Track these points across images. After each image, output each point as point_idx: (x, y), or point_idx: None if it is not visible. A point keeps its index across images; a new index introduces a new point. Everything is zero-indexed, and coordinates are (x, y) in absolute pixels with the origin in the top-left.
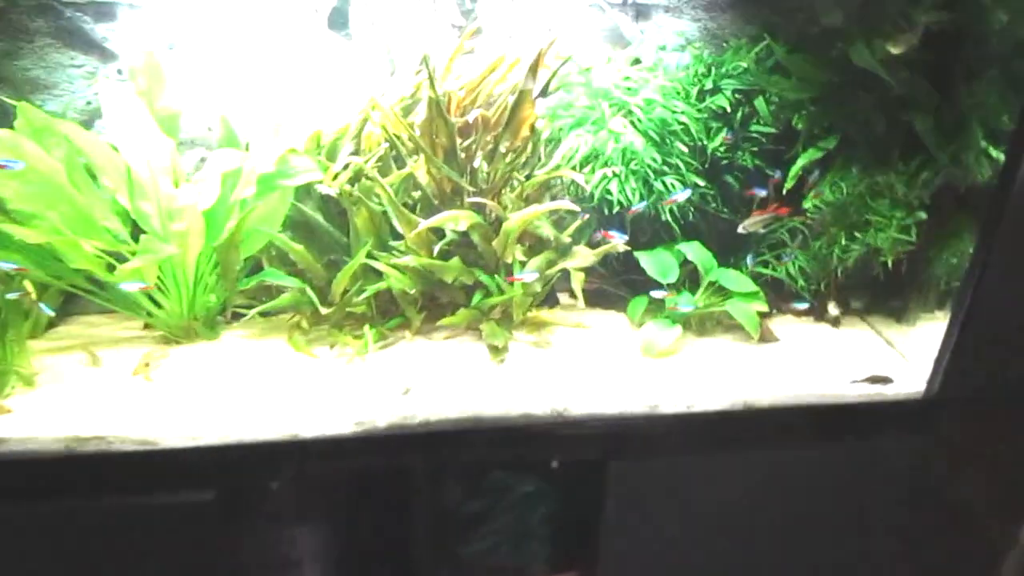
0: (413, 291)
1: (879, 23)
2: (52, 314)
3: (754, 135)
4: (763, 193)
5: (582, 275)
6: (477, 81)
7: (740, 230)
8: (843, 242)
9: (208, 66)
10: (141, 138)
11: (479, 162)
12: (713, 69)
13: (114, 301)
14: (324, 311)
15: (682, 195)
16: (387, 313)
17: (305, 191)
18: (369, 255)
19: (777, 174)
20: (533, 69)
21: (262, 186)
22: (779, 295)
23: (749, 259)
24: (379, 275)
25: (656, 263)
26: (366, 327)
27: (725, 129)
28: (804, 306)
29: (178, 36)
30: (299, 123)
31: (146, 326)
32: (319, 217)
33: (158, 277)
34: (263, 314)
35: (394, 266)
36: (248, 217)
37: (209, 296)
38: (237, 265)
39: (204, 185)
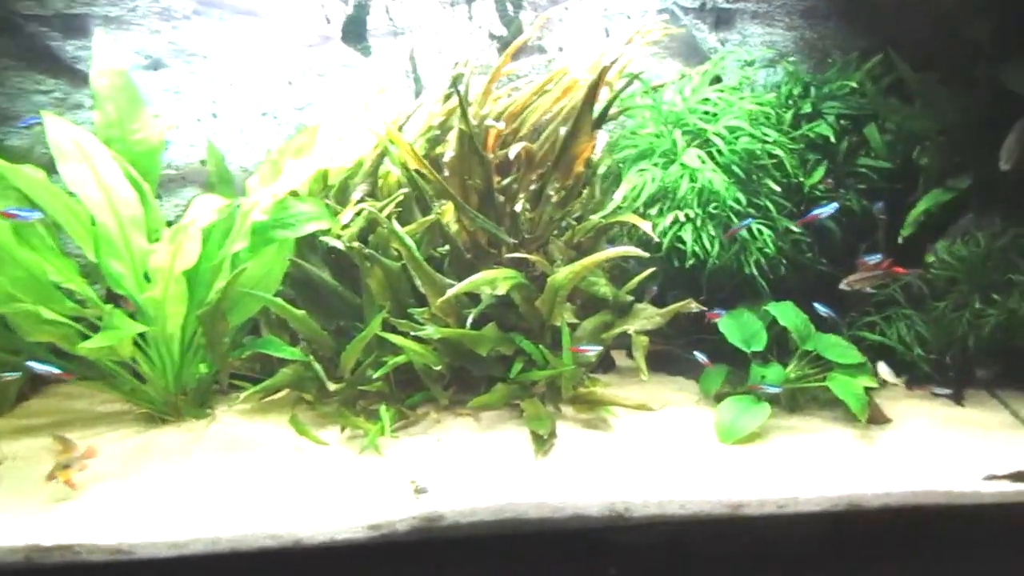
0: (438, 367)
1: None
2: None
3: (862, 170)
4: (873, 259)
5: (645, 340)
6: (521, 106)
7: (843, 287)
8: (976, 305)
9: (202, 86)
10: (105, 184)
11: (521, 206)
12: (812, 89)
13: (88, 375)
14: (333, 387)
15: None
16: (408, 387)
17: (309, 243)
18: (385, 324)
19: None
20: (592, 93)
21: (256, 238)
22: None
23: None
24: (396, 344)
25: (738, 327)
26: (382, 407)
27: (826, 163)
28: (945, 391)
29: (166, 52)
30: (303, 157)
31: (130, 401)
32: (325, 275)
33: (139, 346)
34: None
35: (415, 337)
36: (238, 278)
37: (199, 367)
38: (225, 335)
39: (184, 240)
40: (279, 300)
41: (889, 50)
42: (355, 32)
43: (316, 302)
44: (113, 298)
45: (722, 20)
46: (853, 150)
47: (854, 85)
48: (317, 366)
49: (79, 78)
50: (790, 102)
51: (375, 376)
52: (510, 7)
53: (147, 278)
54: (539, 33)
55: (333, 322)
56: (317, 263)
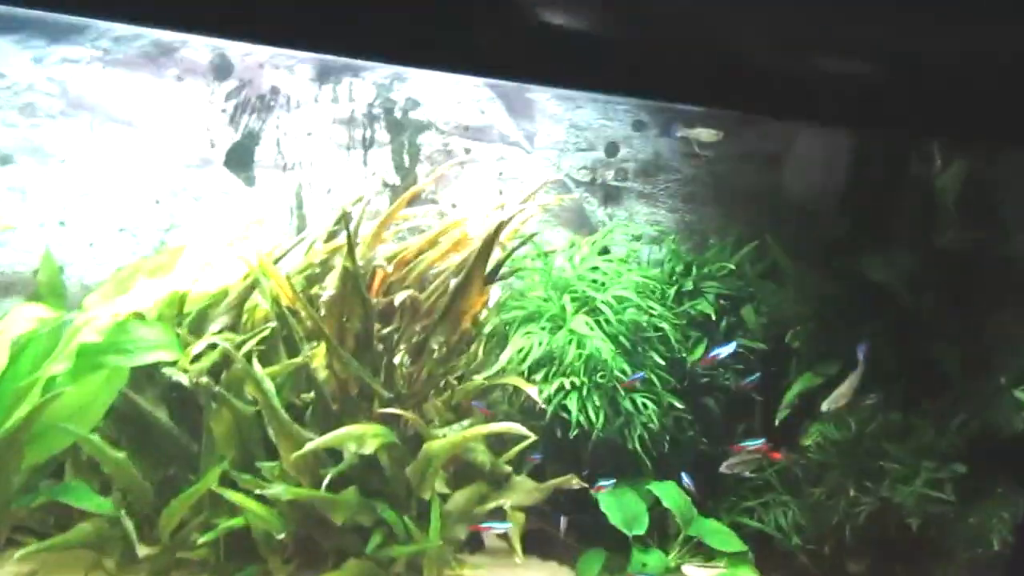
0: (281, 535)
1: (894, 236)
2: None
3: (740, 350)
4: (754, 443)
5: (523, 517)
6: (411, 254)
7: (723, 470)
8: (851, 492)
9: (54, 190)
10: None
11: (400, 358)
12: (694, 268)
13: None
14: (143, 551)
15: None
16: (240, 557)
17: (148, 374)
18: (224, 478)
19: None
20: (487, 246)
21: (82, 362)
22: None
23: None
24: (235, 504)
25: (620, 507)
26: None
27: (705, 340)
28: None
29: (18, 147)
30: (159, 277)
31: None
32: (161, 413)
33: None
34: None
35: (258, 497)
36: (48, 406)
37: None
38: (15, 475)
39: None
40: (95, 439)
41: (766, 237)
42: (240, 160)
43: (144, 444)
44: None
45: (610, 196)
46: (731, 329)
47: (732, 267)
48: (128, 523)
49: None
50: (673, 279)
51: (200, 541)
52: (406, 158)
53: None
54: (433, 187)
55: (161, 471)
56: (153, 399)
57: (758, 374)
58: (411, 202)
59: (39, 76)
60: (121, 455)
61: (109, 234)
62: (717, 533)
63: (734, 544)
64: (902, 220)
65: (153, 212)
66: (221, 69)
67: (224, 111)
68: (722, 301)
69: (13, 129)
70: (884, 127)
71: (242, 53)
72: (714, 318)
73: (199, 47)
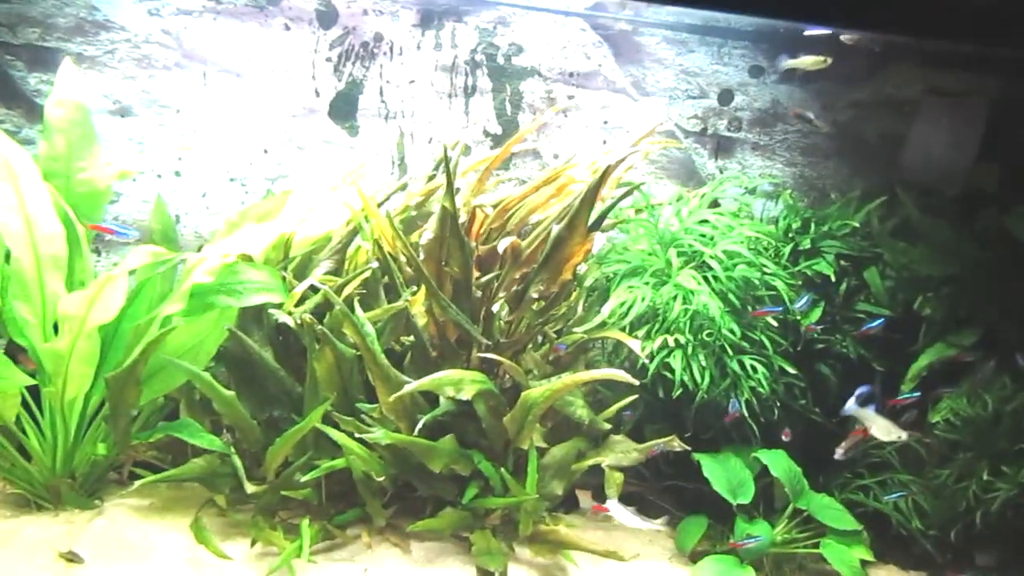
0: (380, 478)
1: None
2: None
3: (861, 315)
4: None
5: (620, 477)
6: (513, 201)
7: (837, 456)
8: (984, 477)
9: (170, 141)
10: (29, 213)
11: (499, 306)
12: (812, 225)
13: None
14: (251, 489)
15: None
16: (341, 500)
17: (255, 316)
18: (327, 419)
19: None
20: (592, 192)
21: (195, 302)
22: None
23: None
24: (337, 446)
25: (724, 474)
26: (304, 522)
27: (823, 304)
28: None
29: (137, 100)
30: (266, 222)
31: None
32: (267, 354)
33: (30, 413)
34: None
35: (359, 440)
36: (163, 342)
37: (97, 446)
38: (134, 408)
39: (106, 289)
40: (206, 376)
41: (897, 190)
42: (344, 109)
43: (250, 385)
44: (14, 352)
45: (722, 147)
46: (851, 293)
47: (856, 225)
48: (237, 461)
49: (36, 113)
50: (789, 235)
51: (304, 480)
52: (508, 107)
53: (57, 330)
54: (535, 136)
55: (266, 410)
56: (260, 340)
57: (881, 319)
58: (513, 155)
59: (155, 28)
60: (230, 394)
61: (221, 184)
62: (828, 509)
63: (847, 522)
64: None
65: (261, 162)
66: (326, 17)
67: (329, 60)
68: (843, 261)
69: (132, 81)
70: None
71: (347, 0)
72: (833, 279)
73: None
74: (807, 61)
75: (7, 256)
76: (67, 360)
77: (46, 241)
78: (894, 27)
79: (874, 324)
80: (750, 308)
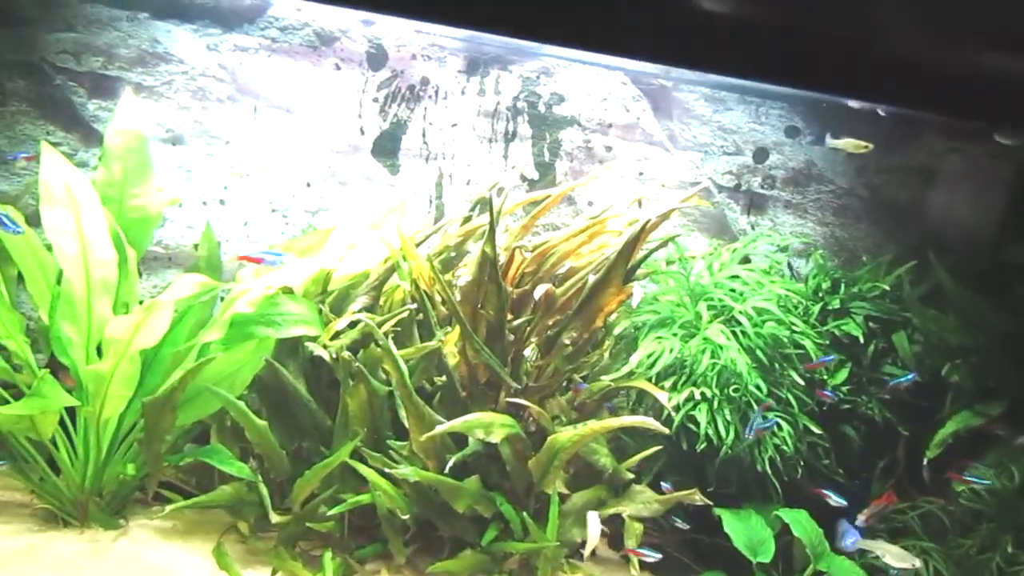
0: (404, 516)
1: None
2: None
3: (887, 379)
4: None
5: (640, 527)
6: (550, 247)
7: (859, 524)
8: (1009, 549)
9: (217, 170)
10: (86, 237)
11: (531, 351)
12: (842, 286)
13: None
14: (276, 518)
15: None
16: (362, 534)
17: (291, 347)
18: (355, 454)
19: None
20: (630, 245)
21: (234, 331)
22: None
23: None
24: (363, 481)
25: (745, 531)
26: (327, 554)
27: (850, 365)
28: None
29: (189, 130)
30: (308, 257)
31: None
32: (300, 386)
33: (65, 430)
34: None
35: (386, 476)
36: (202, 369)
37: (126, 466)
38: (168, 432)
39: (151, 315)
40: (241, 404)
41: (930, 256)
42: (387, 148)
43: (282, 415)
44: (55, 370)
45: (755, 204)
46: (879, 356)
47: (886, 288)
48: (263, 489)
49: (93, 137)
50: (819, 295)
51: (329, 513)
52: (547, 154)
53: (100, 352)
54: (571, 182)
55: (296, 441)
56: (294, 371)
57: (912, 374)
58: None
59: (212, 62)
60: (262, 423)
61: (263, 214)
62: (849, 572)
63: None
64: None
65: (303, 195)
66: (376, 59)
67: (375, 100)
68: (871, 324)
69: (186, 111)
70: None
71: (396, 44)
72: (862, 341)
73: (357, 37)
74: (850, 144)
75: (59, 277)
76: (108, 382)
77: (99, 265)
78: (924, 104)
79: (904, 380)
80: (777, 365)
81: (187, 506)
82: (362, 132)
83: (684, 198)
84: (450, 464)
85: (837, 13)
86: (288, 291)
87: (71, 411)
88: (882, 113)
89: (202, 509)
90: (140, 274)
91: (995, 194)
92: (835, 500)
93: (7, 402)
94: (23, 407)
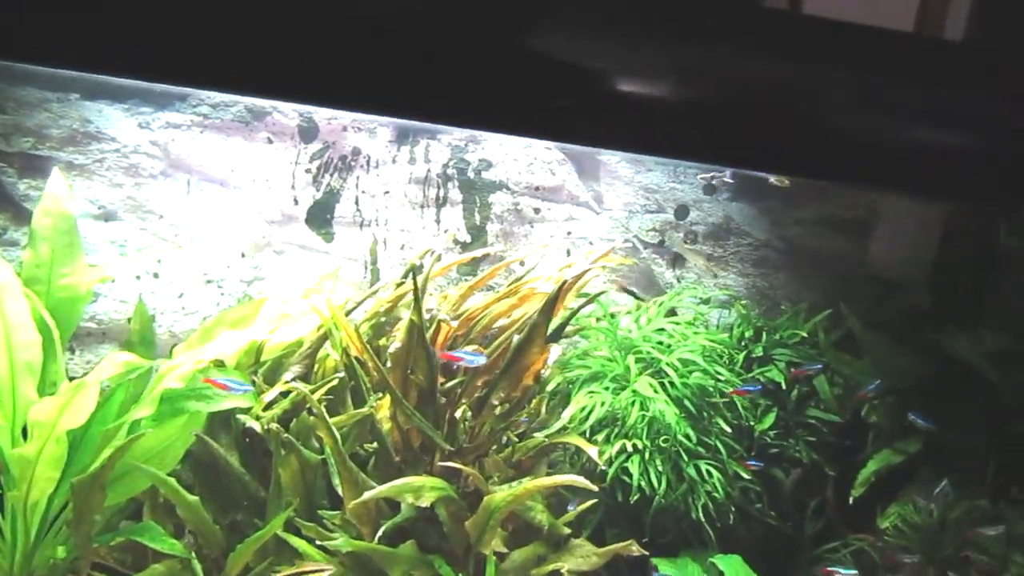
0: None
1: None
2: None
3: (812, 421)
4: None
5: None
6: (477, 311)
7: None
8: None
9: (150, 244)
10: (9, 321)
11: (462, 412)
12: (764, 334)
13: None
14: None
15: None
16: None
17: (223, 420)
18: (289, 525)
19: None
20: (550, 305)
21: (164, 407)
22: None
23: None
24: (299, 552)
25: None
26: None
27: (776, 410)
28: None
29: (122, 206)
30: (240, 329)
31: None
32: (233, 459)
33: None
34: None
35: (320, 547)
36: (131, 447)
37: (56, 550)
38: (97, 512)
39: (78, 395)
40: (171, 481)
41: (841, 305)
42: (321, 217)
43: (215, 489)
44: None
45: (679, 259)
46: (803, 400)
47: (804, 334)
48: (197, 566)
49: (23, 216)
50: (742, 344)
51: None
52: (478, 217)
53: (25, 436)
54: (503, 245)
55: (230, 514)
56: (227, 444)
57: (878, 382)
58: (479, 263)
59: (144, 140)
60: (194, 498)
61: (197, 286)
62: None
63: None
64: (992, 297)
65: (238, 265)
66: (308, 132)
67: (308, 171)
68: (793, 369)
69: (118, 188)
70: (974, 200)
71: (327, 117)
72: (784, 387)
73: (288, 112)
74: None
75: None
76: (34, 464)
77: (23, 348)
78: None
79: (871, 388)
80: (705, 414)
81: None
82: (296, 202)
83: (597, 258)
84: (380, 532)
85: (754, 89)
86: (220, 364)
87: None
88: (776, 183)
89: None
90: (72, 351)
91: (906, 240)
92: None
93: None
94: None
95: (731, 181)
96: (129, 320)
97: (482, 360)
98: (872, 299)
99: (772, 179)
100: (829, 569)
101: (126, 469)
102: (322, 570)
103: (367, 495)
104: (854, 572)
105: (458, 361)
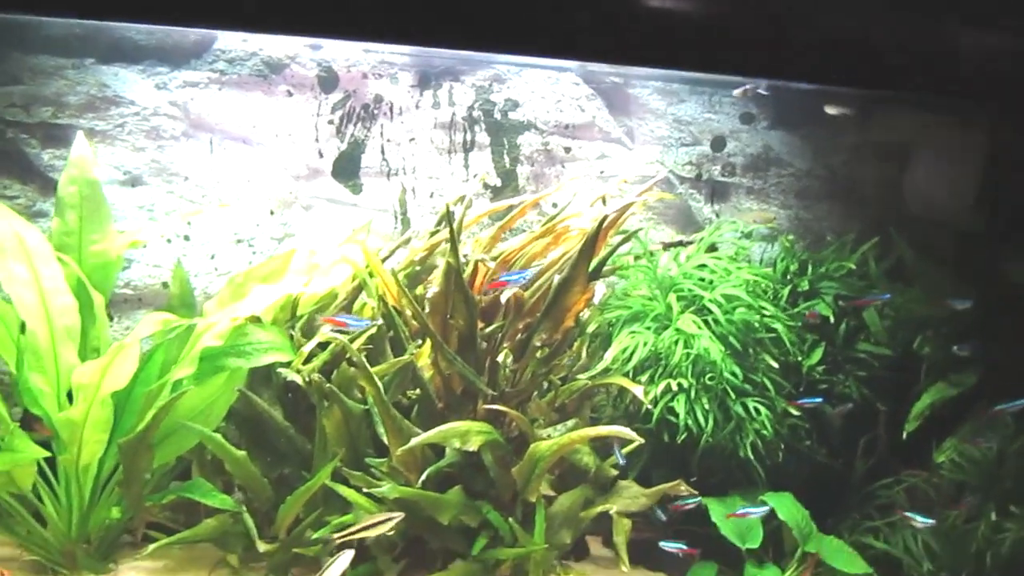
0: (390, 532)
1: None
2: None
3: (862, 356)
4: None
5: (628, 523)
6: (513, 253)
7: None
8: (992, 517)
9: (179, 207)
10: (44, 287)
11: (503, 356)
12: (810, 267)
13: None
14: (263, 547)
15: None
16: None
17: (264, 376)
18: (336, 475)
19: None
20: (591, 242)
21: (205, 365)
22: None
23: None
24: (347, 502)
25: (732, 519)
26: None
27: (824, 345)
28: None
29: (147, 170)
30: (271, 283)
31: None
32: (276, 413)
33: (46, 480)
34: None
35: (368, 495)
36: (175, 407)
37: (111, 510)
38: (146, 472)
39: (119, 358)
40: (217, 437)
41: (891, 231)
42: (347, 169)
43: (261, 444)
44: (30, 421)
45: (718, 192)
46: (852, 334)
47: (852, 266)
48: (249, 519)
49: (49, 187)
50: (787, 278)
51: (314, 537)
52: (507, 160)
53: (71, 400)
54: (534, 187)
55: (277, 468)
56: (269, 399)
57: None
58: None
59: (163, 101)
60: (241, 453)
61: (228, 246)
62: (838, 552)
63: (857, 565)
64: None
65: (268, 223)
66: (327, 82)
67: (331, 122)
68: (841, 302)
69: (141, 152)
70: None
71: (346, 65)
72: (832, 320)
73: (306, 62)
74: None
75: (22, 328)
76: (81, 428)
77: (60, 313)
78: (873, 82)
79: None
80: (751, 351)
81: (171, 543)
82: (321, 155)
83: (640, 191)
84: (423, 477)
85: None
86: (256, 320)
87: (52, 461)
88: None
89: (190, 545)
90: (111, 318)
91: (951, 165)
92: (921, 521)
93: None
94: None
95: (765, 93)
96: (164, 285)
97: (528, 274)
98: (922, 226)
99: (829, 109)
100: (906, 514)
101: (172, 428)
102: (391, 518)
103: (413, 442)
104: (931, 521)
105: (503, 286)
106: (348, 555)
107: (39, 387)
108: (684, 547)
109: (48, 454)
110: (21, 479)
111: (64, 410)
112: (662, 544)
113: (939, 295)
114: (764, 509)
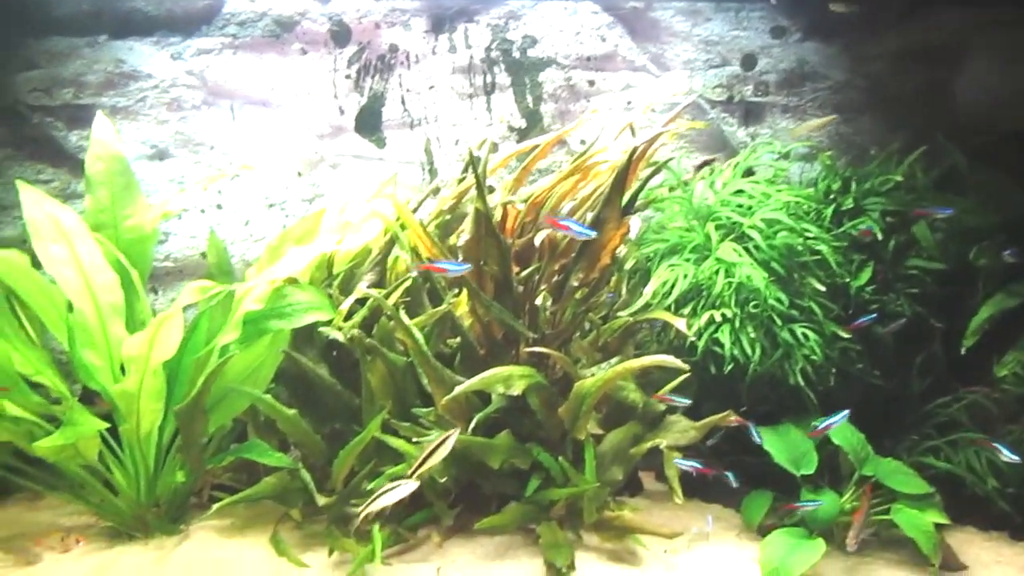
0: (443, 479)
1: None
2: None
3: (913, 272)
4: None
5: (679, 456)
6: (543, 193)
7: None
8: None
9: (207, 176)
10: (84, 266)
11: (541, 299)
12: (853, 184)
13: (50, 481)
14: (322, 501)
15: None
16: (410, 504)
17: (307, 335)
18: (386, 426)
19: None
20: (622, 176)
21: (249, 329)
22: None
23: None
24: (399, 452)
25: (785, 446)
26: (375, 527)
27: (872, 264)
28: None
29: (172, 142)
30: (306, 244)
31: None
32: (322, 371)
33: (111, 450)
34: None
35: (418, 444)
36: (223, 371)
37: (176, 474)
38: (203, 435)
39: (164, 328)
40: (267, 397)
41: (940, 138)
42: (369, 123)
43: (310, 402)
44: (90, 396)
45: (751, 114)
46: (901, 250)
47: (899, 179)
48: (306, 475)
49: (81, 168)
50: (830, 197)
51: (370, 488)
52: (530, 100)
53: (124, 372)
54: (560, 124)
55: (328, 424)
56: (314, 358)
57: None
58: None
59: (180, 71)
60: (292, 412)
61: (261, 211)
62: (897, 473)
63: (918, 486)
64: None
65: (297, 184)
66: (340, 36)
67: (348, 77)
68: (888, 218)
69: (164, 125)
70: None
71: (357, 16)
72: (880, 238)
73: (317, 17)
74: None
75: (69, 307)
76: (137, 398)
77: (103, 290)
78: None
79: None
80: (796, 275)
81: (234, 502)
82: (341, 111)
83: (668, 119)
84: (473, 423)
85: None
86: (293, 281)
87: (116, 432)
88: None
89: (253, 503)
90: (155, 291)
91: (996, 63)
92: (1007, 455)
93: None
94: (59, 438)
95: None
96: (203, 255)
97: (592, 233)
98: (972, 131)
99: (834, 6)
100: (993, 444)
101: (223, 392)
102: (449, 436)
103: (457, 390)
104: (1017, 458)
105: (565, 230)
106: (411, 485)
107: (92, 362)
108: (698, 465)
109: (107, 425)
110: (86, 451)
111: (118, 382)
112: (676, 462)
113: (995, 203)
114: (843, 414)
